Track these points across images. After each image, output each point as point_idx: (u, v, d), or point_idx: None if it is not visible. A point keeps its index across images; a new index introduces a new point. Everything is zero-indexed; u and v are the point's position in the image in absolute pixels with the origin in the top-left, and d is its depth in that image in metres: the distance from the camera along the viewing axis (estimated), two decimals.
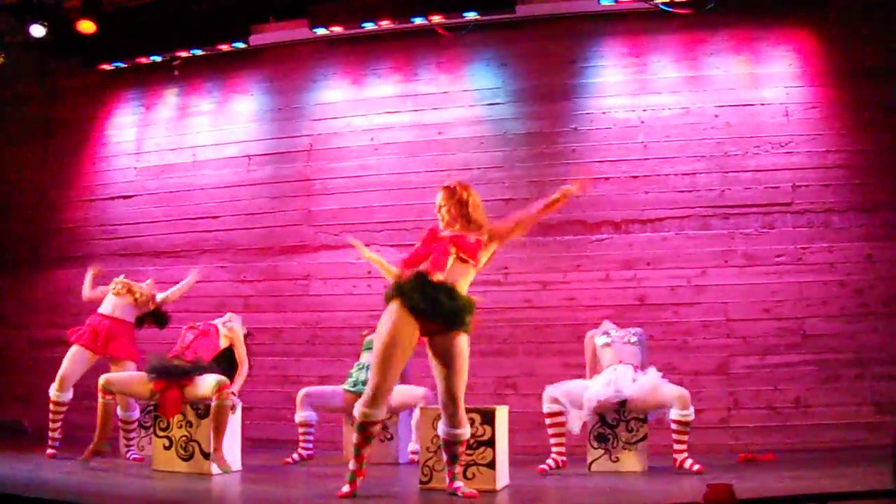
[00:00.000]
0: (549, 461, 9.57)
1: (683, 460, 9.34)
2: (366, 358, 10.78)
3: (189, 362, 9.65)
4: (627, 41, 12.49)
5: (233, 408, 9.63)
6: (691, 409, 9.37)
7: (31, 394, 14.11)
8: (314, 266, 12.99)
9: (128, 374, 10.14)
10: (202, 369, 9.69)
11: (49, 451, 10.84)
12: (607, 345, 10.13)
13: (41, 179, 14.85)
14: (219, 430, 9.32)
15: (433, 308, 7.76)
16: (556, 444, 9.66)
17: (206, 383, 9.43)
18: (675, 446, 9.41)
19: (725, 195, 11.81)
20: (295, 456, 10.58)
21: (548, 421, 9.67)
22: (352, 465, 7.81)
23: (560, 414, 9.61)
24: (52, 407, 11.00)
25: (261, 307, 13.12)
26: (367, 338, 10.99)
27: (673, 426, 9.42)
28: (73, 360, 10.96)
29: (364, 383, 9.41)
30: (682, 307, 11.56)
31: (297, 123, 13.59)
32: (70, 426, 11.28)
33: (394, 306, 7.85)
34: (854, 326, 11.34)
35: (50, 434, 10.96)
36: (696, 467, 9.17)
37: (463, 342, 7.83)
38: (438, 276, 7.83)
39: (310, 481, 9.40)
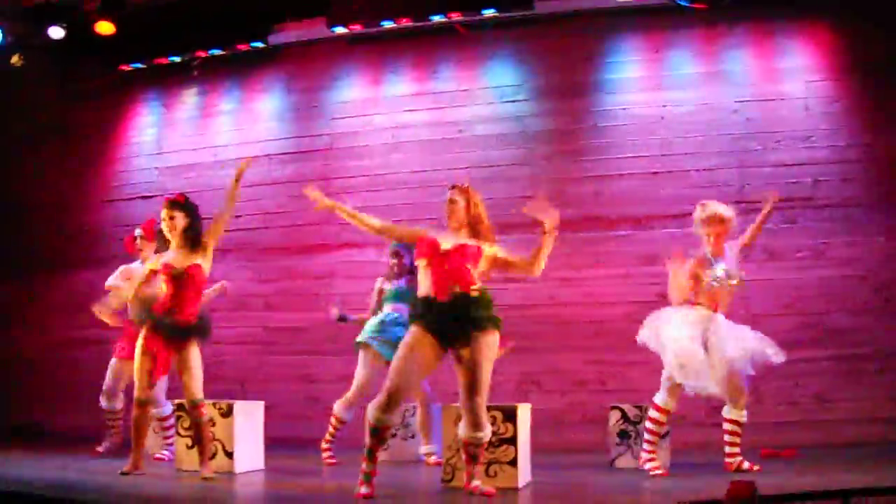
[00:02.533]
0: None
1: (740, 463, 9.03)
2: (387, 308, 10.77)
3: (185, 324, 9.02)
4: (646, 37, 12.49)
5: None
6: (745, 412, 9.17)
7: (52, 396, 14.17)
8: (336, 264, 13.01)
9: (135, 371, 9.21)
10: (199, 331, 9.11)
11: (98, 447, 11.15)
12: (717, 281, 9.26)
13: (61, 181, 14.91)
14: (202, 445, 9.00)
15: (450, 328, 7.66)
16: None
17: (192, 383, 8.99)
18: (728, 449, 9.13)
19: (746, 190, 11.78)
20: None
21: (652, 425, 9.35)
22: (365, 467, 7.63)
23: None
24: (105, 415, 11.23)
25: (282, 306, 13.16)
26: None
27: (727, 426, 9.16)
28: (115, 373, 11.03)
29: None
30: None
31: (318, 122, 13.63)
32: (94, 427, 11.31)
33: (414, 327, 7.74)
34: (876, 321, 11.32)
35: (106, 435, 11.21)
36: (755, 468, 8.98)
37: (488, 343, 7.65)
38: (475, 290, 7.78)
39: (332, 480, 9.38)
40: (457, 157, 12.79)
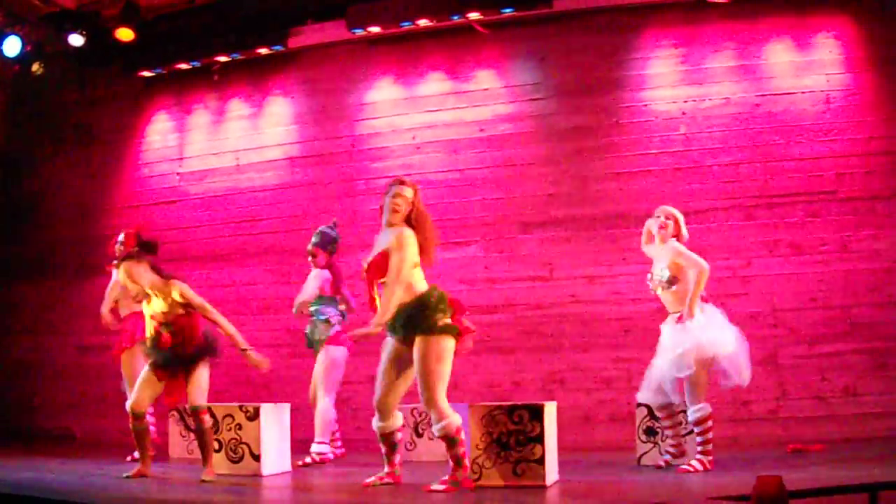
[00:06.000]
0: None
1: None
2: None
3: (190, 352, 9.12)
4: (667, 32, 12.45)
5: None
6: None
7: (79, 401, 14.23)
8: (359, 266, 12.98)
9: (138, 383, 9.38)
10: (203, 353, 9.19)
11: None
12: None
13: (84, 187, 15.01)
14: (206, 449, 9.12)
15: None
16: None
17: (195, 392, 9.08)
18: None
19: (769, 185, 11.76)
20: None
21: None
22: (385, 469, 8.41)
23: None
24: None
25: None
26: None
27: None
28: (131, 370, 11.03)
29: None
30: (729, 298, 11.38)
31: (339, 124, 13.65)
32: (120, 432, 11.29)
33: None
34: None
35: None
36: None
37: (422, 348, 8.04)
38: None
39: (358, 482, 9.35)
40: (479, 157, 12.82)
